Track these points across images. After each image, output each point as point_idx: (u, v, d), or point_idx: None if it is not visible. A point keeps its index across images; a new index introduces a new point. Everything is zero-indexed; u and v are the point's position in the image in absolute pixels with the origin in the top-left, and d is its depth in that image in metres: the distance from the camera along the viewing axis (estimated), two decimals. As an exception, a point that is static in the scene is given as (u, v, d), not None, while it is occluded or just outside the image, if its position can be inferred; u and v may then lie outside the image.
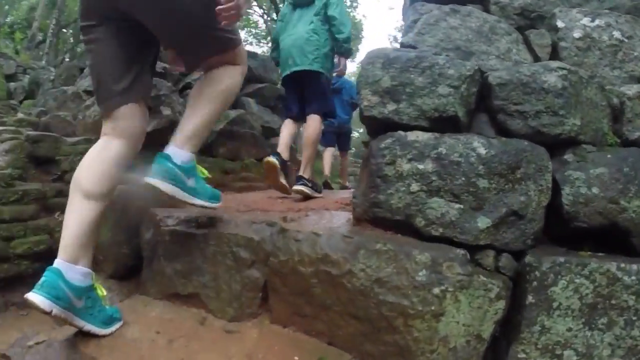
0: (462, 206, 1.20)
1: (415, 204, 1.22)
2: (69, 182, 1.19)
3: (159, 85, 2.31)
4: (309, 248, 1.19)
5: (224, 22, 1.14)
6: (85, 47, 1.24)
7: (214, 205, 1.32)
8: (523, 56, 1.60)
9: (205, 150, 2.63)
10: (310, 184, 2.18)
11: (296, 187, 2.10)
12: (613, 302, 1.13)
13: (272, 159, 2.10)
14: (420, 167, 1.23)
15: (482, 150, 1.23)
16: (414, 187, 1.22)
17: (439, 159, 1.23)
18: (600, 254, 1.24)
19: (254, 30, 17.62)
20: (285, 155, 2.22)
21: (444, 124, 1.31)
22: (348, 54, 2.34)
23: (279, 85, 4.00)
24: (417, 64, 1.36)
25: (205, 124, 1.24)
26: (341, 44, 2.25)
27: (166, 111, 2.27)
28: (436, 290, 1.11)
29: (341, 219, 1.53)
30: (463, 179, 1.21)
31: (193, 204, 1.25)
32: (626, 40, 1.57)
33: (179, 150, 1.19)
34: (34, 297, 1.00)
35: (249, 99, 3.45)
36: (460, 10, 1.65)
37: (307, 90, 2.31)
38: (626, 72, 1.54)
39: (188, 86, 2.77)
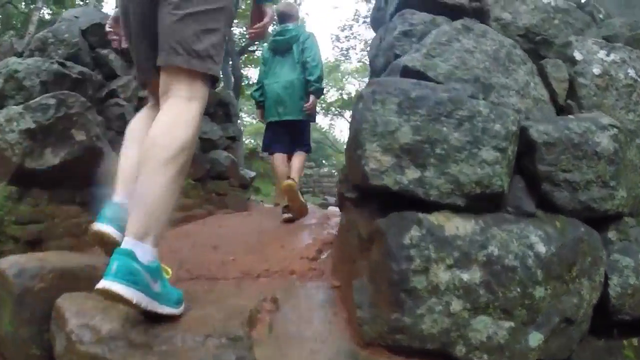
0: (512, 324, 0.81)
1: (456, 328, 0.78)
2: None
3: (69, 101, 1.48)
4: (313, 412, 0.70)
5: (252, 38, 1.26)
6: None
7: (179, 310, 0.91)
8: (540, 92, 1.21)
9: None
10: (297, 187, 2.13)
11: (288, 181, 2.07)
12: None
13: (289, 181, 2.04)
14: (465, 277, 0.78)
15: (542, 248, 0.82)
16: (456, 305, 0.78)
17: (490, 264, 0.80)
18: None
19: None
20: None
21: (484, 201, 0.87)
22: (318, 93, 2.33)
23: (219, 88, 3.22)
24: (452, 112, 0.87)
25: (168, 199, 0.85)
26: (312, 84, 2.26)
27: (79, 136, 1.45)
28: None
29: (325, 309, 1.01)
30: (518, 290, 0.80)
31: (159, 314, 0.85)
32: (639, 80, 1.26)
33: (141, 245, 0.81)
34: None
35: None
36: (474, 29, 1.17)
37: (296, 133, 2.33)
38: (639, 115, 1.24)
39: (113, 94, 1.89)
